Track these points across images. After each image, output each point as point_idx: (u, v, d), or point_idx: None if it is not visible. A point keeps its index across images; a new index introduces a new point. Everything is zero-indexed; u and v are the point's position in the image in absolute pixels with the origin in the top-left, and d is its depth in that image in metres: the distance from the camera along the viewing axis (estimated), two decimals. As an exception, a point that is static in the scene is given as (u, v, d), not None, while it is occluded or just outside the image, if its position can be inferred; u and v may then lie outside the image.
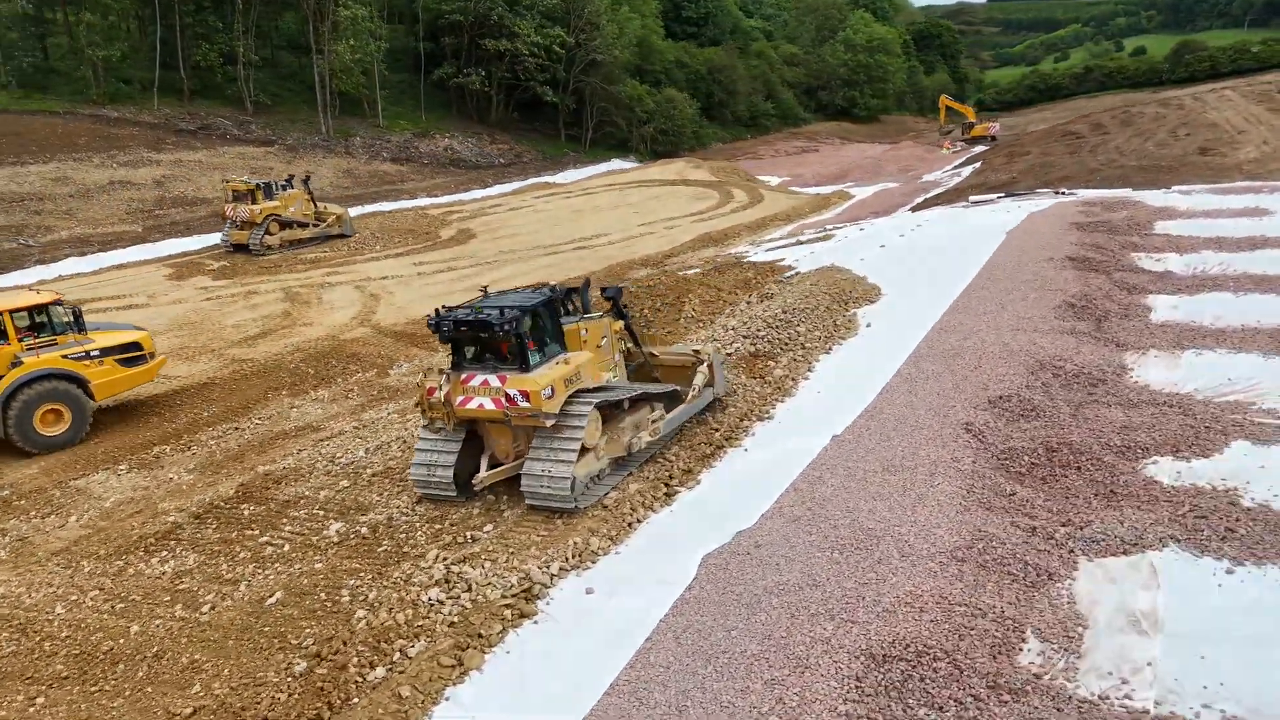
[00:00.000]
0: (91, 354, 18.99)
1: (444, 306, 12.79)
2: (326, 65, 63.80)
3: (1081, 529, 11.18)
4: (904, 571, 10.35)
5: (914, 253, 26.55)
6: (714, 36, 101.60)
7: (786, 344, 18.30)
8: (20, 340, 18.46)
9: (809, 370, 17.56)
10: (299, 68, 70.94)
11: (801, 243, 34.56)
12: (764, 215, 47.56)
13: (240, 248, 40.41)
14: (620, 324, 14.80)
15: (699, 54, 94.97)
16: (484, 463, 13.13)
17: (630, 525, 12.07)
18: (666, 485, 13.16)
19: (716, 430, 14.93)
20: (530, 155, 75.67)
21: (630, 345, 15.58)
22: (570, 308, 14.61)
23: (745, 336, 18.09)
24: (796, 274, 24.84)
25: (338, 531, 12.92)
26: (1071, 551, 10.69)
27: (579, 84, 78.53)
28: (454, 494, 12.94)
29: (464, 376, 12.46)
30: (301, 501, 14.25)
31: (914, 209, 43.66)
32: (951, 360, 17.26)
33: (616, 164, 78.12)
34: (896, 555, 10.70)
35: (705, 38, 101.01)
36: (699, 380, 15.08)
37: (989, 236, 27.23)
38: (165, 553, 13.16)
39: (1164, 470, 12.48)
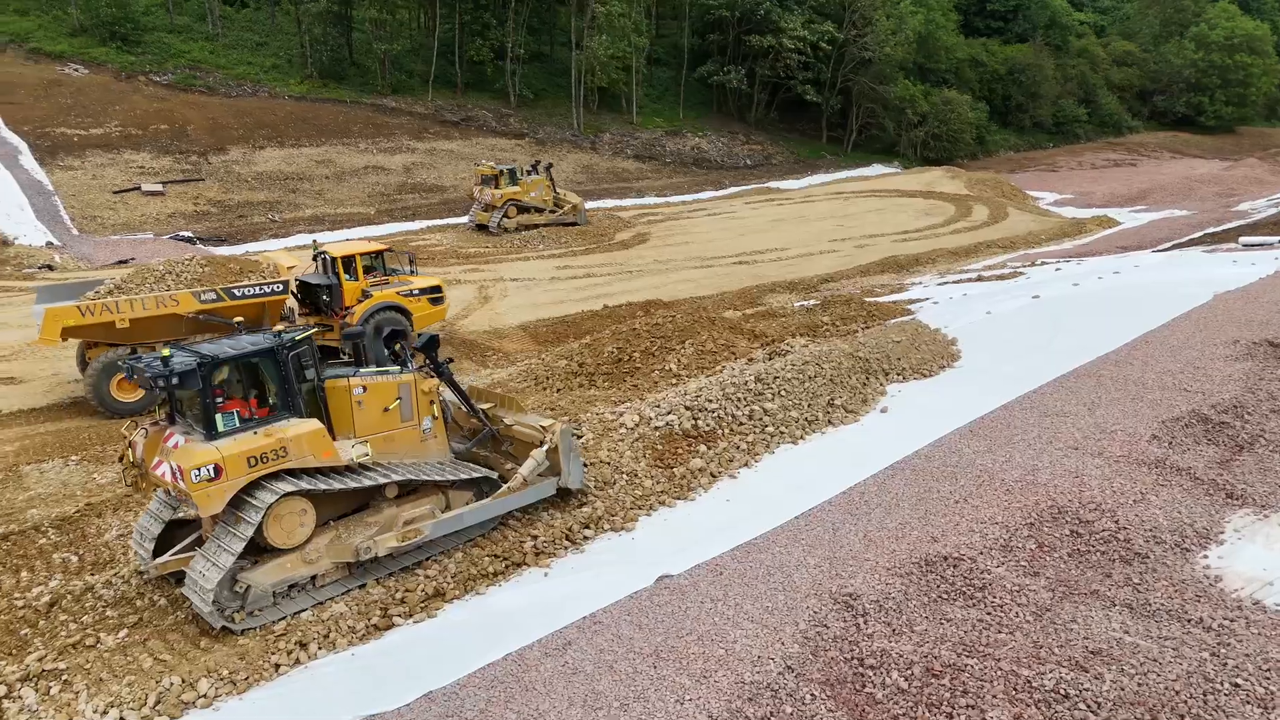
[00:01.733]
0: (413, 292, 22.36)
1: (164, 343, 10.58)
2: (584, 60, 64.28)
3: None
4: None
5: (1064, 310, 20.22)
6: (1022, 32, 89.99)
7: (739, 424, 14.02)
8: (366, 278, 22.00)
9: (746, 465, 13.29)
10: (566, 64, 72.41)
11: (965, 281, 28.41)
12: (986, 239, 40.42)
13: (482, 228, 42.20)
14: (433, 382, 11.67)
15: (999, 51, 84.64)
16: (188, 541, 10.78)
17: (273, 669, 9.13)
18: (384, 612, 10.00)
19: (537, 535, 11.42)
20: (782, 157, 71.62)
21: (470, 411, 12.47)
22: (398, 352, 11.80)
23: (690, 407, 14.11)
24: (889, 324, 19.74)
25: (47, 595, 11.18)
26: None
27: (846, 83, 72.93)
28: (156, 573, 10.74)
29: (167, 433, 10.20)
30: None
31: (1169, 247, 34.73)
32: (936, 485, 12.21)
33: (878, 169, 71.78)
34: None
35: (1011, 33, 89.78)
36: (529, 466, 11.62)
37: (1186, 298, 20.16)
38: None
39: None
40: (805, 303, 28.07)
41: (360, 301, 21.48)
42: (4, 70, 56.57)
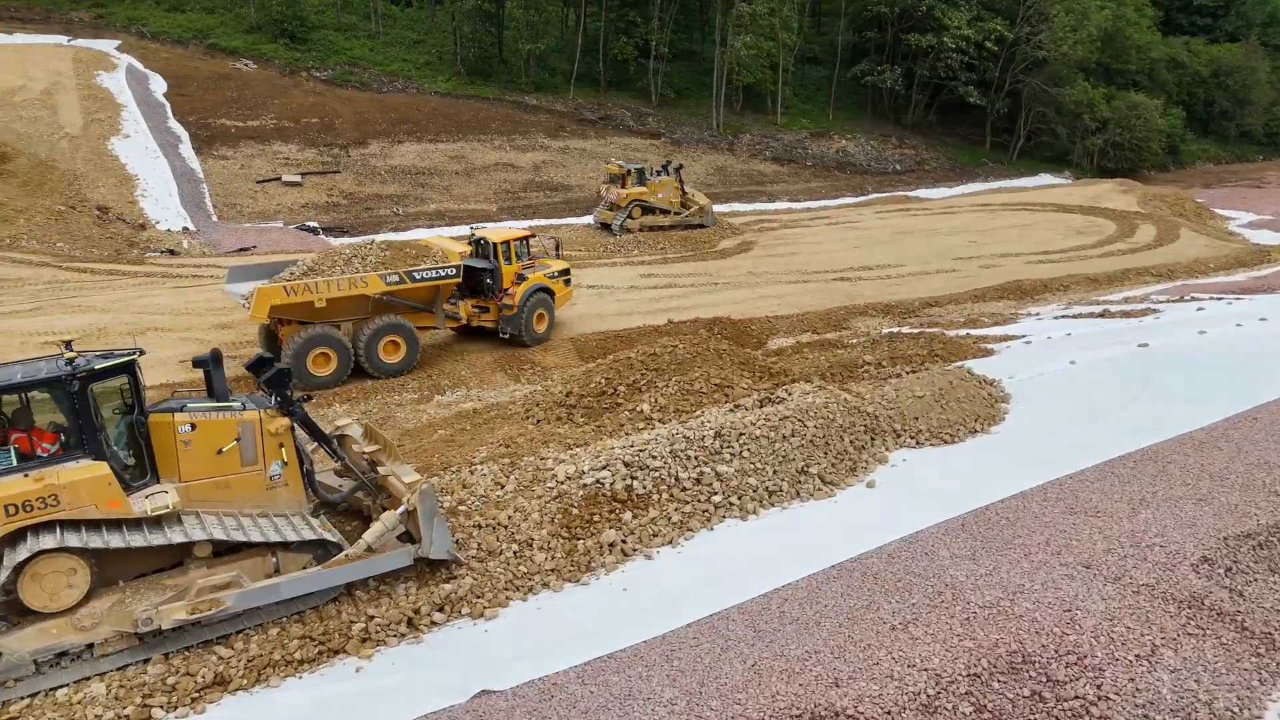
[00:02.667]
0: (554, 275, 24.31)
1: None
2: (728, 59, 61.90)
3: None
4: None
5: (1166, 365, 16.36)
6: (1234, 30, 79.57)
7: (681, 490, 11.65)
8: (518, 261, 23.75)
9: (670, 544, 10.96)
10: (712, 62, 70.24)
11: (1085, 316, 24.27)
12: (1140, 265, 35.06)
13: (605, 227, 41.16)
14: (283, 421, 10.08)
15: (1203, 51, 75.18)
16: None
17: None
18: (143, 700, 8.39)
19: (374, 615, 9.61)
20: (936, 163, 66.41)
21: (333, 456, 10.82)
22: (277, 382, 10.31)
23: (630, 463, 11.87)
24: (933, 371, 16.57)
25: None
26: None
27: (1016, 84, 66.67)
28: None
29: None
30: None
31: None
32: (881, 599, 9.49)
33: (1045, 179, 65.30)
34: None
35: (1220, 31, 79.60)
36: (375, 531, 9.83)
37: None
38: None
39: None
40: (894, 329, 24.91)
41: (516, 284, 23.18)
42: (184, 63, 60.65)
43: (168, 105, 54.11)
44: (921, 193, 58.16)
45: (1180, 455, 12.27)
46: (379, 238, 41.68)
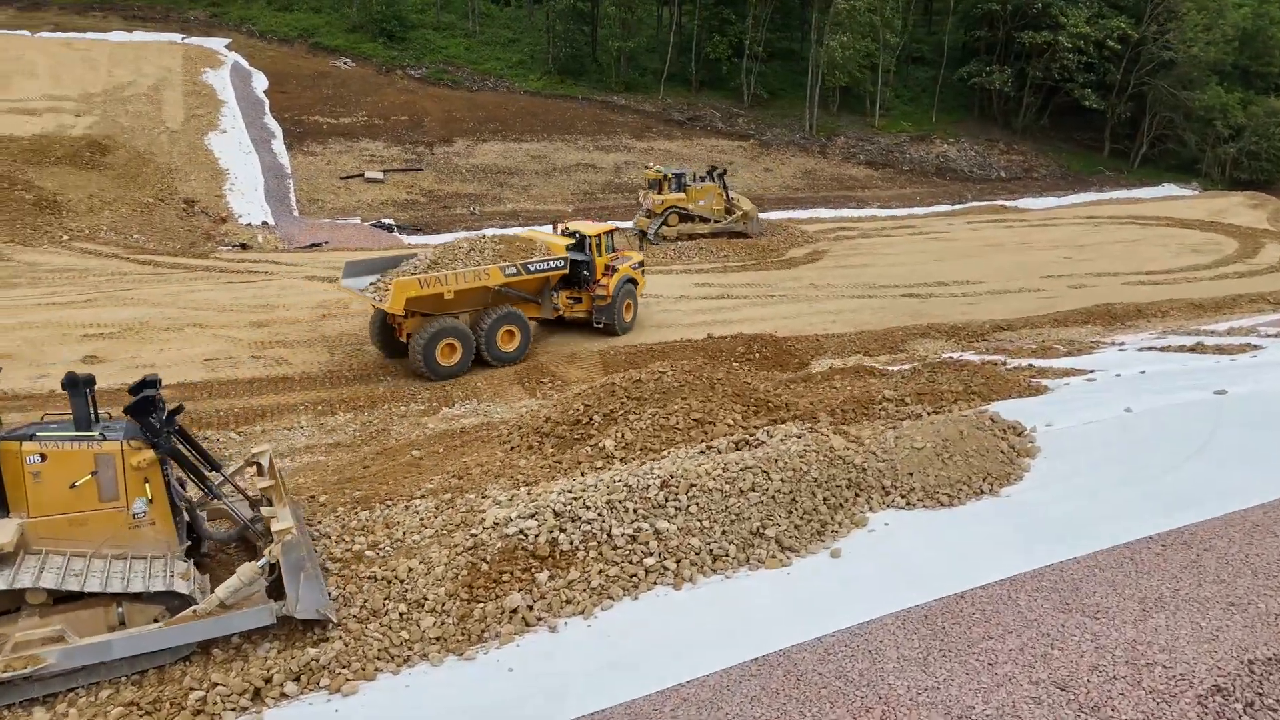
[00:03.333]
0: (636, 266, 25.54)
1: None
2: (823, 57, 59.42)
3: None
4: None
5: (1237, 420, 13.78)
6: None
7: (613, 548, 10.12)
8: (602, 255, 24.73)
9: (583, 614, 9.46)
10: (809, 62, 67.76)
11: (1174, 349, 21.39)
12: (1256, 291, 31.20)
13: (643, 235, 39.67)
14: (148, 454, 9.09)
15: (1363, 52, 67.82)
16: None
17: None
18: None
19: (219, 683, 8.47)
20: (1046, 170, 62.06)
21: (208, 493, 9.78)
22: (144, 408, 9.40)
23: (561, 513, 10.41)
24: (952, 417, 14.47)
25: None
26: None
27: (1140, 87, 61.60)
28: None
29: None
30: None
31: None
32: (784, 711, 7.78)
33: (1169, 189, 60.15)
34: None
35: (1388, 29, 71.62)
36: (229, 586, 8.72)
37: None
38: None
39: None
40: (953, 354, 22.65)
41: (607, 275, 24.30)
42: (287, 61, 62.32)
43: (266, 102, 55.56)
44: (1026, 202, 54.28)
45: (1222, 541, 9.98)
46: (450, 237, 41.45)
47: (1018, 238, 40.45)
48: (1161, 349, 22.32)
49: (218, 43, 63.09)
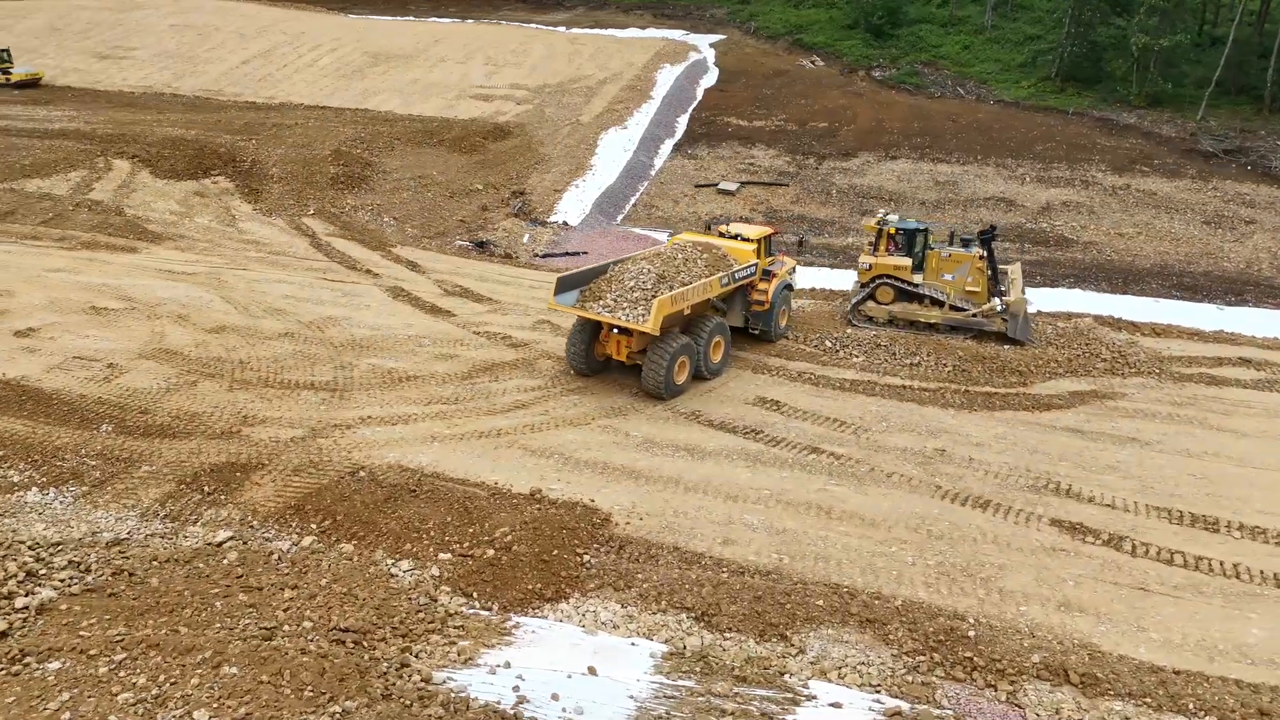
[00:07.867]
0: (791, 270, 24.00)
1: None
2: None
3: None
4: None
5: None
6: None
7: None
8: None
9: None
10: None
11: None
12: None
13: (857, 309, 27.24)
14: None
15: None
16: None
17: None
18: None
19: None
20: None
21: None
22: None
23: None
24: None
25: None
26: None
27: None
28: None
29: None
30: None
31: None
32: None
33: None
34: None
35: None
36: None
37: None
38: None
39: None
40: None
41: (765, 280, 22.55)
42: (753, 60, 58.35)
43: (697, 100, 52.45)
44: None
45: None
46: (663, 237, 33.50)
47: None
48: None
49: (704, 39, 61.61)
